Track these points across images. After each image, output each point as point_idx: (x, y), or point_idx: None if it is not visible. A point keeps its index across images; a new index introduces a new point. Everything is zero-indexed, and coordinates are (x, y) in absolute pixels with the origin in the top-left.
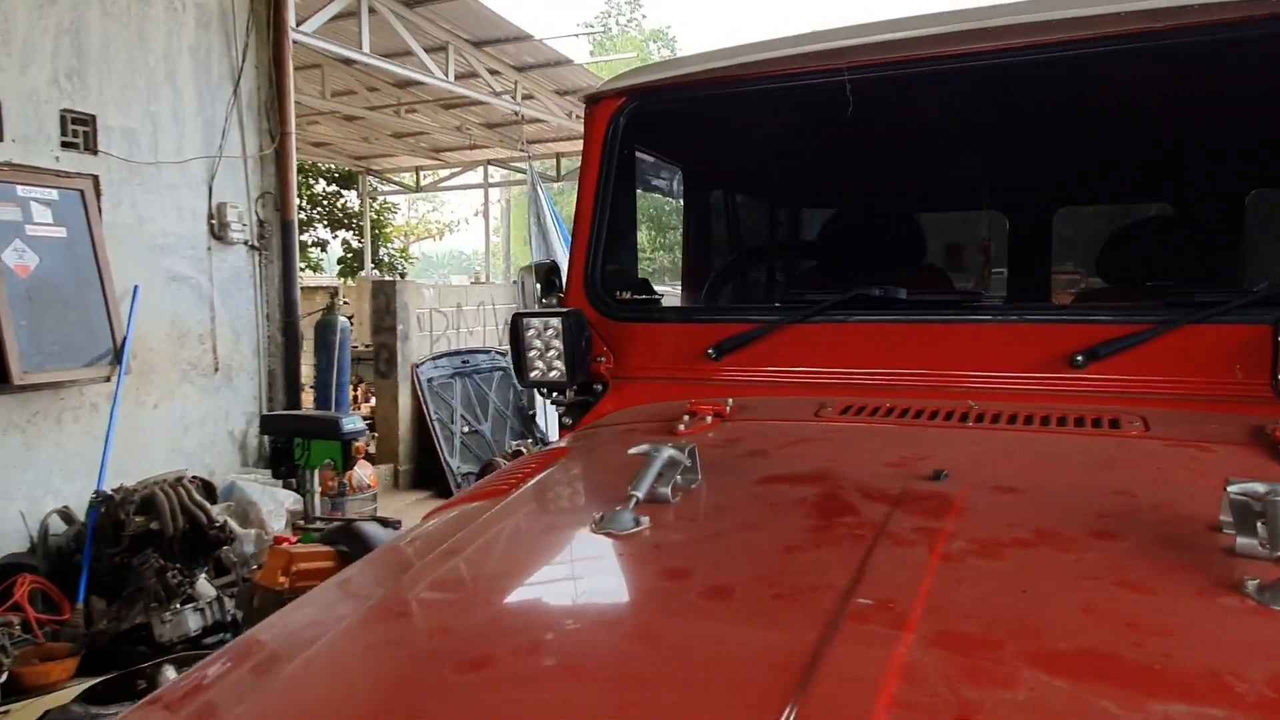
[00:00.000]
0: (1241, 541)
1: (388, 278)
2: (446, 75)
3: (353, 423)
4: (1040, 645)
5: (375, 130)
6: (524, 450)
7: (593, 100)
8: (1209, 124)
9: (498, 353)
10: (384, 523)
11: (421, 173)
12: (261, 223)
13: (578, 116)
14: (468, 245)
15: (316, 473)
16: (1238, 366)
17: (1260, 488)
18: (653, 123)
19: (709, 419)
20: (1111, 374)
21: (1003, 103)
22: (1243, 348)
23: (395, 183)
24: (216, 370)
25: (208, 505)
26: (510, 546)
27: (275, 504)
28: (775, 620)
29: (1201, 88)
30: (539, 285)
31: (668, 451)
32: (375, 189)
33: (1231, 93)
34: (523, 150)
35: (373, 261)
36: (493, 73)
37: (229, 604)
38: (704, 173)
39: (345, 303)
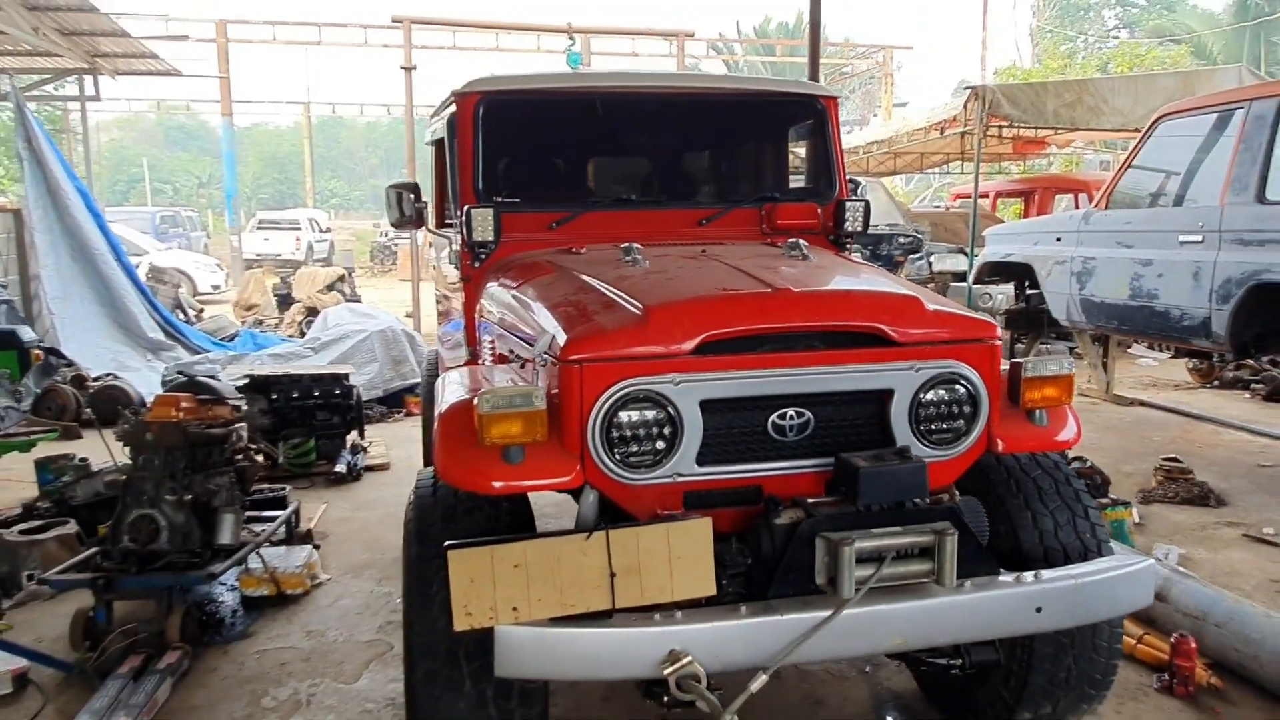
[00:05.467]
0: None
1: None
2: None
3: (28, 331)
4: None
5: None
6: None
7: (462, 95)
8: (711, 130)
9: None
10: (212, 377)
11: None
12: None
13: (45, 33)
14: None
15: None
16: (751, 226)
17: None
18: (496, 107)
19: (586, 249)
20: (712, 229)
21: (647, 113)
22: (751, 218)
23: None
24: None
25: None
26: (612, 264)
27: None
28: (715, 267)
29: (706, 116)
30: (411, 195)
31: (637, 245)
32: None
33: (712, 118)
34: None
35: None
36: None
37: None
38: (519, 136)
39: None
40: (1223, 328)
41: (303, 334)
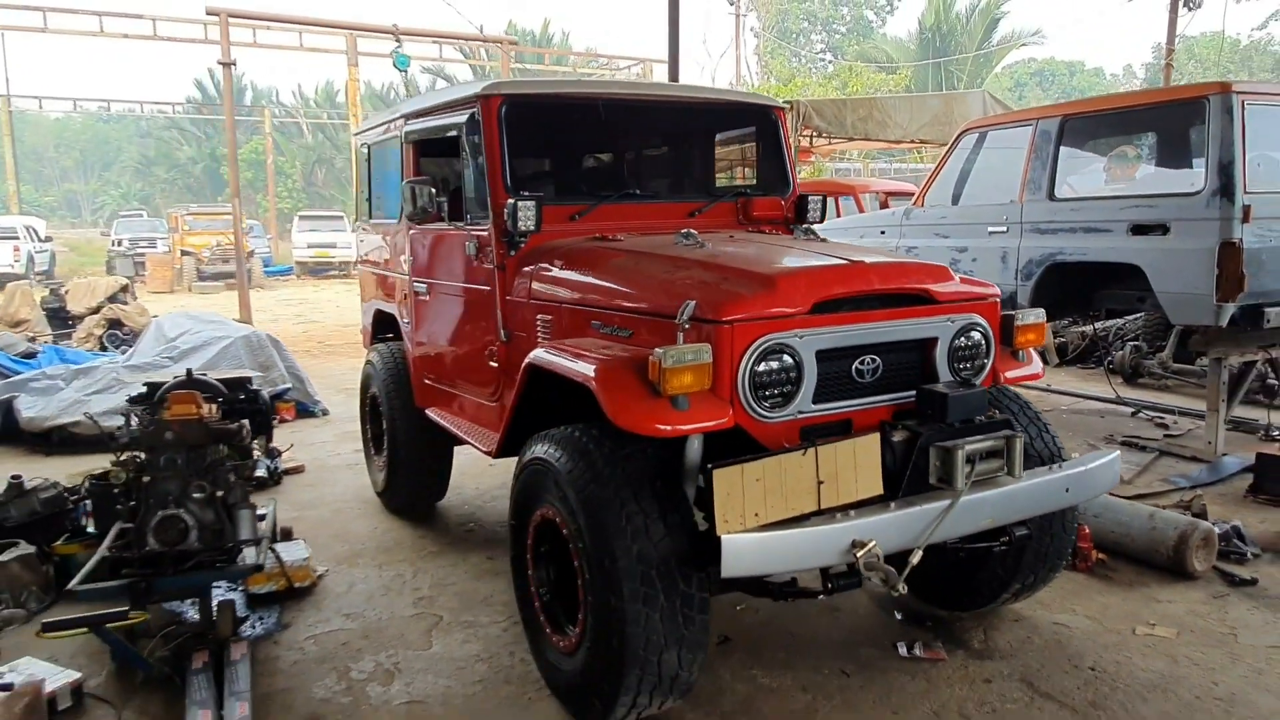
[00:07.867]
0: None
1: None
2: None
3: None
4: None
5: None
6: None
7: (486, 97)
8: (691, 132)
9: None
10: (207, 376)
11: None
12: None
13: None
14: None
15: None
16: (729, 217)
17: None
18: (517, 108)
19: (622, 236)
20: (701, 219)
21: (642, 116)
22: (730, 210)
23: None
24: None
25: None
26: (676, 246)
27: None
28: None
29: (688, 120)
30: (432, 190)
31: (694, 231)
32: None
33: (681, 121)
34: None
35: None
36: None
37: None
38: (534, 135)
39: None
40: (1026, 300)
41: (104, 347)
